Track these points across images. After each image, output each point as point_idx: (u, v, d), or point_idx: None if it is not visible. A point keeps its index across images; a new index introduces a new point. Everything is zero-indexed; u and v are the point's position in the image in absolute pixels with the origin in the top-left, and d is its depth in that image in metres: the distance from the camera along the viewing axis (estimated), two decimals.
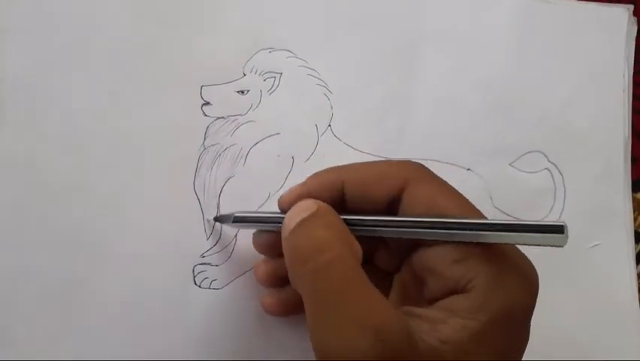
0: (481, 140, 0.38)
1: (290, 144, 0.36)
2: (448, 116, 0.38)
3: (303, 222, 0.26)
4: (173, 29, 0.36)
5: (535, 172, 0.38)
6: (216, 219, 0.33)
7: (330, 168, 0.30)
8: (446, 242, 0.26)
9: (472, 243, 0.25)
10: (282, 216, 0.28)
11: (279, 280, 0.32)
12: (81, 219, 0.33)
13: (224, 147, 0.35)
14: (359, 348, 0.22)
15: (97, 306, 0.33)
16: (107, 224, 0.33)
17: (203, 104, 0.35)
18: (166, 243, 0.34)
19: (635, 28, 0.41)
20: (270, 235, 0.31)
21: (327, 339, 0.23)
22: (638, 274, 0.38)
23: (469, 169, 0.37)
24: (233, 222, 0.31)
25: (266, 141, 0.36)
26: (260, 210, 0.31)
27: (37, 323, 0.32)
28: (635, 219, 0.39)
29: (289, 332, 0.34)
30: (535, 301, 0.25)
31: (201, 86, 0.36)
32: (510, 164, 0.38)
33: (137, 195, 0.34)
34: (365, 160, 0.35)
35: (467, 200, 0.27)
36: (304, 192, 0.29)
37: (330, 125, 0.37)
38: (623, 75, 0.40)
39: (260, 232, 0.32)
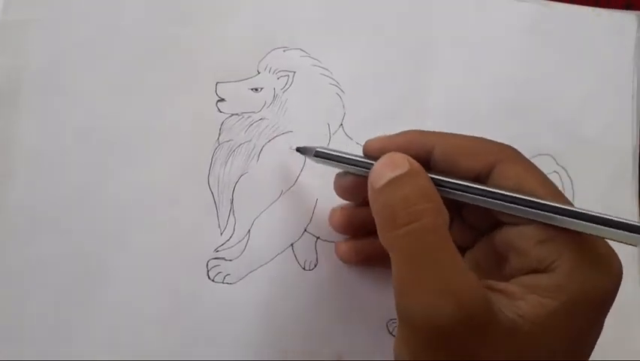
0: None
1: (302, 142, 0.36)
2: (459, 117, 0.38)
3: (396, 180, 0.26)
4: (189, 27, 0.36)
5: None
6: (299, 149, 0.33)
7: (420, 131, 0.30)
8: (531, 222, 0.26)
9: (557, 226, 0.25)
10: (368, 161, 0.29)
11: (353, 228, 0.33)
12: (96, 213, 0.34)
13: (238, 144, 0.35)
14: (441, 313, 0.23)
15: (111, 299, 0.33)
16: (121, 218, 0.34)
17: (217, 101, 0.36)
18: (180, 237, 0.34)
19: None
20: (354, 178, 0.31)
21: (411, 300, 0.24)
22: None
23: None
24: (315, 156, 0.31)
25: (279, 139, 0.36)
26: (340, 151, 0.31)
27: (50, 317, 0.33)
28: None
29: (302, 327, 0.34)
30: (615, 292, 0.26)
31: (216, 83, 0.36)
32: None
33: (151, 189, 0.34)
34: None
35: (555, 185, 0.28)
36: (393, 144, 0.29)
37: (342, 125, 0.37)
38: (632, 81, 0.40)
39: (344, 173, 0.32)
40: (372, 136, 0.36)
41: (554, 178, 0.38)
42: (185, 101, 0.35)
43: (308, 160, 0.36)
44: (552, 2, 0.41)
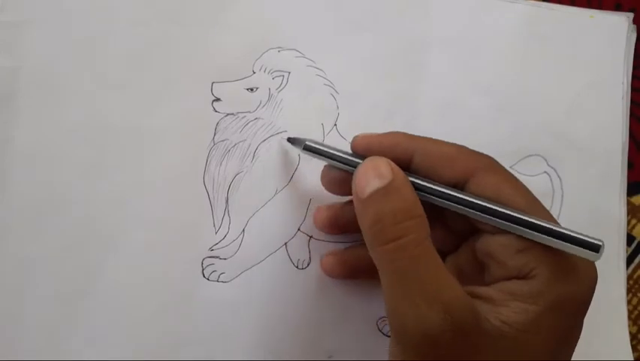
0: (482, 142, 0.37)
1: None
2: (452, 118, 0.39)
3: (381, 193, 0.27)
4: (185, 27, 0.37)
5: (535, 175, 0.39)
6: (289, 140, 0.34)
7: (405, 133, 0.31)
8: (509, 231, 0.27)
9: None
10: (354, 159, 0.30)
11: (338, 227, 0.34)
12: (92, 212, 0.34)
13: (234, 143, 0.36)
14: (430, 321, 0.24)
15: (106, 298, 0.34)
16: (117, 217, 0.34)
17: (213, 100, 0.36)
18: (175, 236, 0.35)
19: (635, 35, 0.42)
20: (339, 173, 0.32)
21: (402, 311, 0.25)
22: (628, 276, 0.39)
23: None
24: (304, 149, 0.32)
25: (274, 139, 0.36)
26: (329, 145, 0.32)
27: (46, 316, 0.33)
28: (629, 223, 0.40)
29: (295, 325, 0.35)
30: (591, 296, 0.27)
31: (212, 83, 0.36)
32: (511, 166, 0.38)
33: (147, 188, 0.35)
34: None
35: (532, 194, 0.28)
36: (378, 145, 0.30)
37: (335, 125, 0.37)
38: (622, 82, 0.41)
39: (329, 167, 0.33)
40: None
41: (544, 179, 0.39)
42: (180, 100, 0.36)
43: (302, 160, 0.37)
44: (544, 3, 0.41)
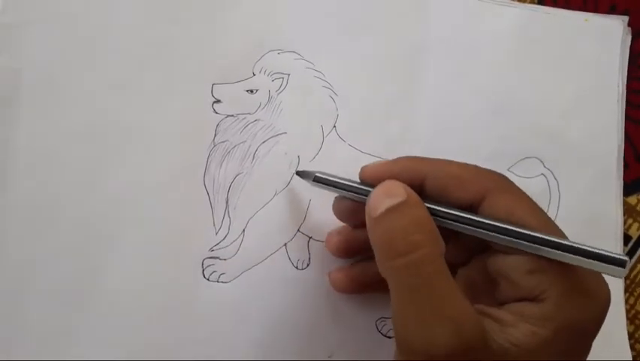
0: (480, 144, 0.39)
1: (296, 144, 0.37)
2: (450, 120, 0.39)
3: (393, 210, 0.26)
4: (185, 27, 0.37)
5: (532, 177, 0.39)
6: (298, 173, 0.34)
7: (415, 157, 0.30)
8: (521, 252, 0.27)
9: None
10: (365, 188, 0.30)
11: (350, 252, 0.34)
12: (92, 212, 0.34)
13: (234, 145, 0.36)
14: (438, 340, 0.24)
15: (106, 299, 0.34)
16: (117, 218, 0.34)
17: (213, 102, 0.36)
18: (176, 237, 0.35)
19: (630, 38, 0.42)
20: (350, 203, 0.32)
21: (411, 328, 0.25)
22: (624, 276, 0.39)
23: None
24: (314, 180, 0.32)
25: (273, 140, 0.37)
26: (339, 176, 0.31)
27: (47, 314, 0.33)
28: (625, 222, 0.40)
29: (294, 325, 0.35)
30: (603, 320, 0.27)
31: (212, 85, 0.36)
32: (508, 169, 0.39)
33: (148, 189, 0.35)
34: (369, 161, 0.37)
35: (545, 214, 0.28)
36: (388, 172, 0.30)
37: (335, 127, 0.38)
38: (618, 85, 0.41)
39: (341, 198, 0.32)
40: (364, 138, 0.38)
41: (541, 181, 0.39)
42: (181, 102, 0.36)
43: (302, 161, 0.37)
44: (540, 7, 0.42)
